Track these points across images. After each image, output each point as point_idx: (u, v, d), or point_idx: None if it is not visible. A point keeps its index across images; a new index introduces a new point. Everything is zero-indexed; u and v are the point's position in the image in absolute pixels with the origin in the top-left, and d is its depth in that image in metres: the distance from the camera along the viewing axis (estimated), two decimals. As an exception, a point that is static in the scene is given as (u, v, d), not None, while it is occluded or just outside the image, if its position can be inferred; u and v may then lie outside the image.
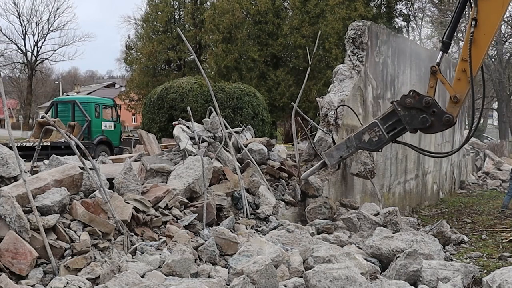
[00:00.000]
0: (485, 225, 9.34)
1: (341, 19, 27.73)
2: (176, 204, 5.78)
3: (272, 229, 6.25)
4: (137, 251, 4.84)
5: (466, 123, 25.91)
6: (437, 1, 31.37)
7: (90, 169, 5.06)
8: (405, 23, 34.74)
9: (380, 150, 7.38)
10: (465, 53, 6.49)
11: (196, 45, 36.52)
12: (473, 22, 6.41)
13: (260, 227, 6.44)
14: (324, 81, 26.60)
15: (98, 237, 4.66)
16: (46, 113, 19.26)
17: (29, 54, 50.15)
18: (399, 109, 6.86)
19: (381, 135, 7.01)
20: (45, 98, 62.32)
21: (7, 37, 49.44)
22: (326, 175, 8.21)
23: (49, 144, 15.61)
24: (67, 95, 37.74)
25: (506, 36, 29.82)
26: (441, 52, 7.06)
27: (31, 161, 5.87)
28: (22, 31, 49.65)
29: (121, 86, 59.22)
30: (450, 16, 29.07)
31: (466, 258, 6.62)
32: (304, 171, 8.22)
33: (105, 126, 19.05)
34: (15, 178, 4.95)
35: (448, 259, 6.32)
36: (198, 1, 38.36)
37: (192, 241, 5.16)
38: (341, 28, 26.17)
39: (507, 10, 6.38)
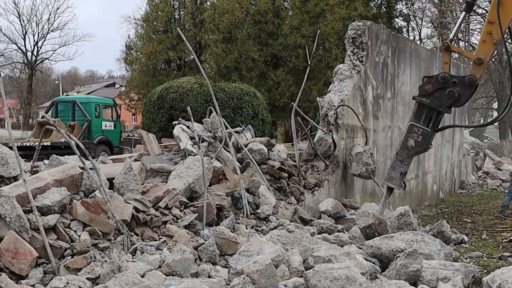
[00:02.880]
0: (485, 225, 9.33)
1: (341, 19, 27.74)
2: (176, 204, 5.78)
3: (272, 229, 6.25)
4: (137, 251, 4.84)
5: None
6: (437, 1, 31.36)
7: (90, 169, 5.06)
8: (405, 23, 34.82)
9: (431, 146, 7.38)
10: (492, 15, 6.47)
11: (196, 45, 36.55)
12: None
13: (260, 227, 6.44)
14: (324, 81, 26.61)
15: (98, 237, 4.65)
16: (46, 113, 19.25)
17: (29, 54, 50.24)
18: (424, 99, 6.88)
19: (424, 131, 6.99)
20: (45, 98, 62.31)
21: (7, 37, 49.59)
22: (326, 175, 8.21)
23: (49, 144, 15.61)
24: (67, 95, 37.81)
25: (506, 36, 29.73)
26: (456, 27, 7.62)
27: (31, 161, 5.86)
28: (22, 31, 49.74)
29: (121, 86, 59.23)
30: (450, 16, 29.08)
31: (466, 258, 6.61)
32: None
33: (105, 126, 19.05)
34: (15, 178, 4.94)
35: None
36: (198, 1, 38.38)
37: (192, 241, 5.16)
38: (341, 28, 26.19)
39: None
